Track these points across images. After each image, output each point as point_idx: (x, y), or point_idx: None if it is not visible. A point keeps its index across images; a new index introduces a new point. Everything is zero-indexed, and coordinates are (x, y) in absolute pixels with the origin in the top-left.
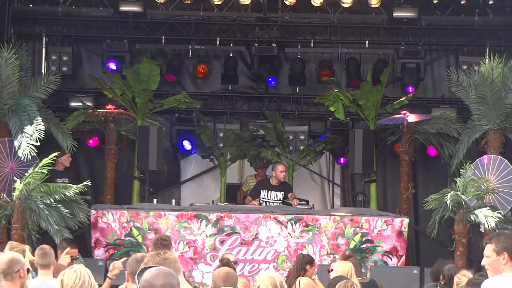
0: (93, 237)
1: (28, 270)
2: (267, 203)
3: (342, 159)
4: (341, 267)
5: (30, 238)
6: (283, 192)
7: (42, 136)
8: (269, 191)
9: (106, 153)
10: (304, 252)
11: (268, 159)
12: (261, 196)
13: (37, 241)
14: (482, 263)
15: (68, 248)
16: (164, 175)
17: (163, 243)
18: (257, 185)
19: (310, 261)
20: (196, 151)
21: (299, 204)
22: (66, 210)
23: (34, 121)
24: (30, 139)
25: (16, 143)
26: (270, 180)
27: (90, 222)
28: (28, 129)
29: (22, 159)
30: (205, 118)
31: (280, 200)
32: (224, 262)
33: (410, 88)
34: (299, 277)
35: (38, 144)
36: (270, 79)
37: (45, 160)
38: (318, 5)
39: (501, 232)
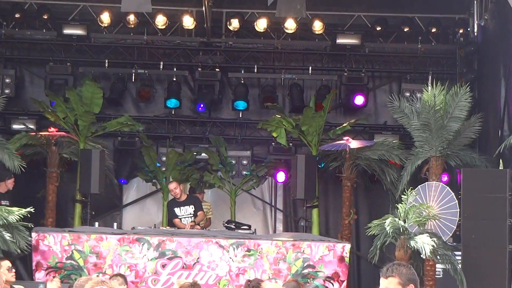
0: (34, 260)
1: None
2: (182, 219)
3: (279, 172)
4: None
5: None
6: (192, 206)
7: None
8: (180, 208)
9: (48, 176)
10: (246, 276)
11: (211, 183)
12: (177, 214)
13: None
14: None
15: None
16: (117, 189)
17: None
18: (169, 206)
19: (256, 285)
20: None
21: (240, 228)
22: (8, 234)
23: None
24: None
25: None
26: (177, 196)
27: (31, 245)
28: None
29: None
30: (149, 141)
31: (191, 214)
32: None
33: (362, 98)
34: None
35: None
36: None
37: None
38: (262, 30)
39: (398, 263)
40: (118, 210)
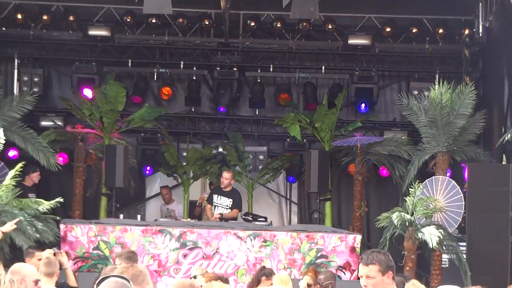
0: (63, 249)
1: None
2: (216, 207)
3: (291, 177)
4: (279, 277)
5: (2, 250)
6: (231, 199)
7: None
8: (219, 196)
9: (75, 171)
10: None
11: None
12: (213, 200)
13: (8, 254)
14: (364, 283)
15: (35, 251)
16: (132, 190)
17: (128, 255)
18: (212, 190)
19: (267, 274)
20: (152, 172)
21: (257, 220)
22: (40, 224)
23: None
24: None
25: None
26: (225, 187)
27: (59, 236)
28: None
29: None
30: (170, 137)
31: (227, 206)
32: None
33: (363, 105)
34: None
35: None
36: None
37: (13, 173)
38: (276, 28)
39: (378, 251)
40: (142, 202)
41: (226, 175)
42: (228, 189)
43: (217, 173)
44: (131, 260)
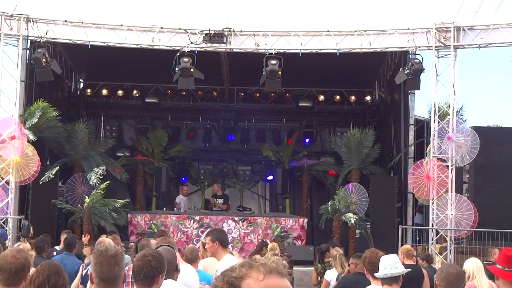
0: (129, 229)
1: None
2: (215, 205)
3: (269, 176)
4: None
5: (93, 230)
6: (223, 199)
7: (103, 173)
8: (216, 198)
9: (137, 182)
10: (249, 237)
11: (229, 184)
12: (215, 201)
13: (97, 232)
14: (206, 247)
15: (105, 236)
16: (171, 193)
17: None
18: (212, 196)
19: (266, 244)
20: (187, 180)
21: (245, 210)
22: (115, 214)
23: (100, 165)
24: (97, 174)
25: (88, 177)
26: (217, 192)
27: (128, 220)
28: (96, 169)
29: (92, 185)
30: (194, 163)
31: (221, 203)
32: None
33: (307, 139)
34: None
35: (101, 177)
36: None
37: (102, 186)
38: (256, 97)
39: (217, 229)
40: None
41: (215, 185)
42: (219, 193)
43: (221, 183)
44: (165, 234)
